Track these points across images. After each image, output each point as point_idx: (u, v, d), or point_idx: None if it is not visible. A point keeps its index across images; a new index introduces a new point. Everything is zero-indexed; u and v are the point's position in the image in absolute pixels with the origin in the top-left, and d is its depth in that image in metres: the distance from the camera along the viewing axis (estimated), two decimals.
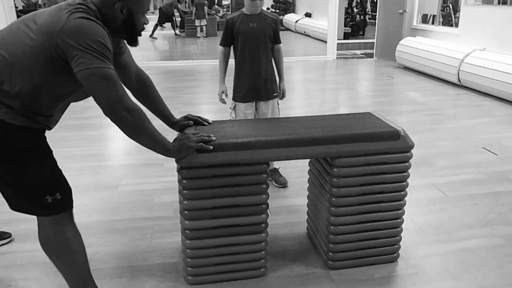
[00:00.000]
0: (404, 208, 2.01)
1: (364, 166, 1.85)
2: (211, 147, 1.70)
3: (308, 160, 2.21)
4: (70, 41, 1.42)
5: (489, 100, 5.36)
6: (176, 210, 2.58)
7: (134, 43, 1.70)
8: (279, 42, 2.83)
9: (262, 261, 1.96)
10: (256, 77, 2.75)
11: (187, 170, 1.72)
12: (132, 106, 1.53)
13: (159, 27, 13.45)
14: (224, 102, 2.92)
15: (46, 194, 1.59)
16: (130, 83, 1.85)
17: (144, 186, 2.98)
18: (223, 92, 2.86)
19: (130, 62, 1.85)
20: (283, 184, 2.88)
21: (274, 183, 2.89)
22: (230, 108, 2.89)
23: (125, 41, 1.73)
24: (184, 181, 1.74)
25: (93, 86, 1.47)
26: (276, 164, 2.97)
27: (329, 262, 2.03)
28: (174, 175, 3.03)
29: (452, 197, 2.80)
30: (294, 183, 2.87)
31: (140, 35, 1.69)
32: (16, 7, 7.93)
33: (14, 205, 1.62)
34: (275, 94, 2.84)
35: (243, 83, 2.77)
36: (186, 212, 1.79)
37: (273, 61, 2.85)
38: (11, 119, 1.49)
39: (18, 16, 7.94)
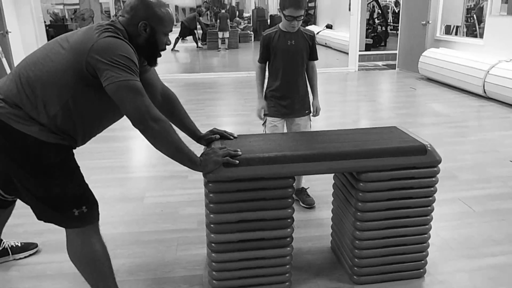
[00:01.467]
0: (431, 223, 1.99)
1: (390, 181, 1.84)
2: (237, 161, 1.72)
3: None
4: (99, 57, 1.50)
5: None
6: (201, 222, 2.61)
7: (153, 63, 1.78)
8: (316, 58, 2.75)
9: (287, 275, 1.96)
10: (291, 96, 2.68)
11: (214, 184, 1.75)
12: (159, 117, 1.59)
13: (181, 40, 13.66)
14: (261, 119, 2.78)
15: (73, 208, 1.65)
16: (156, 100, 1.91)
17: (169, 198, 3.02)
18: (263, 107, 2.74)
19: (155, 79, 1.91)
20: (310, 205, 2.80)
21: (301, 203, 2.82)
22: (262, 124, 2.81)
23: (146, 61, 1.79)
24: (211, 195, 1.77)
25: (121, 97, 1.53)
26: (304, 184, 2.91)
27: (354, 277, 2.01)
28: (198, 187, 3.07)
29: (479, 211, 2.75)
30: (318, 196, 2.87)
31: (160, 55, 1.77)
32: (44, 22, 8.19)
33: (42, 216, 1.68)
34: (307, 112, 2.78)
35: (276, 100, 2.69)
36: (212, 225, 1.82)
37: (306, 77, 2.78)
38: (43, 137, 1.56)
39: (47, 31, 8.21)
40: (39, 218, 1.70)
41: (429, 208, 1.93)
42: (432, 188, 1.90)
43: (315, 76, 2.79)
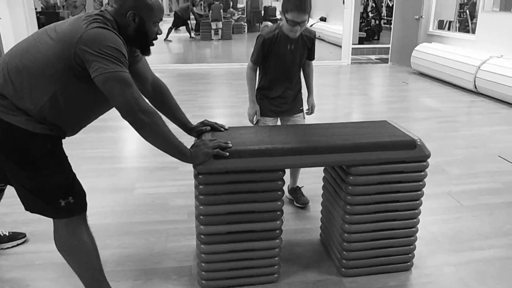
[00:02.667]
0: (419, 217, 2.01)
1: (379, 174, 1.85)
2: (228, 153, 1.72)
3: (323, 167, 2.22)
4: (87, 48, 1.48)
5: (506, 108, 5.30)
6: (191, 213, 2.61)
7: (146, 52, 1.76)
8: (313, 58, 2.64)
9: (276, 267, 1.97)
10: (284, 96, 2.59)
11: (204, 175, 1.75)
12: (148, 109, 1.58)
13: (174, 30, 13.56)
14: (254, 123, 2.63)
15: (59, 198, 1.64)
16: (146, 91, 1.89)
17: (159, 189, 3.01)
18: (256, 112, 2.58)
19: (146, 70, 1.89)
20: (304, 204, 2.73)
21: (295, 202, 2.78)
22: (254, 124, 2.68)
23: (139, 50, 1.77)
24: (200, 187, 1.77)
25: (110, 89, 1.52)
26: (298, 182, 2.86)
27: (343, 269, 2.03)
28: (189, 178, 3.08)
29: (468, 206, 2.78)
30: (308, 189, 2.88)
31: (153, 44, 1.75)
32: (35, 8, 8.08)
33: (30, 207, 1.67)
34: (301, 108, 2.70)
35: (269, 100, 2.59)
36: (201, 217, 1.82)
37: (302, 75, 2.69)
38: (29, 127, 1.54)
39: (38, 18, 8.09)
40: (26, 208, 1.69)
41: (417, 202, 1.95)
42: (420, 183, 1.92)
43: (311, 74, 2.70)
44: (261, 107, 2.62)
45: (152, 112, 1.59)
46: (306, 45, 2.53)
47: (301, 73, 2.69)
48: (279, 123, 2.73)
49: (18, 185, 1.64)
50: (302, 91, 2.73)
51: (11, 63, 1.56)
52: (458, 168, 3.41)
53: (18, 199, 1.67)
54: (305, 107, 2.76)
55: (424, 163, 1.88)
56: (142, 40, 1.70)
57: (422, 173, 1.90)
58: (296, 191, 2.83)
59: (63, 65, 1.52)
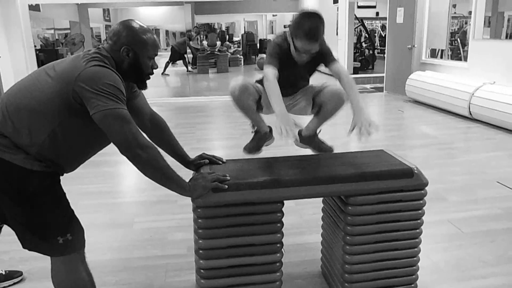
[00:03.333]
0: (420, 245, 1.99)
1: (378, 204, 1.85)
2: (226, 186, 1.72)
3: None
4: (85, 86, 1.51)
5: (502, 133, 5.34)
6: (190, 248, 2.58)
7: (142, 86, 1.80)
8: (334, 60, 2.16)
9: None
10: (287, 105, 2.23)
11: (202, 209, 1.74)
12: (147, 144, 1.60)
13: (171, 64, 13.78)
14: (296, 136, 2.29)
15: (57, 235, 1.63)
16: (144, 126, 1.91)
17: (158, 223, 2.99)
18: (294, 123, 1.99)
19: (143, 105, 1.92)
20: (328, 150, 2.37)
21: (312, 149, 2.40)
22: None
23: (135, 85, 1.81)
24: (199, 220, 1.76)
25: (109, 126, 1.54)
26: (297, 212, 2.64)
27: None
28: (187, 212, 3.05)
29: (469, 233, 2.77)
30: (308, 220, 2.87)
31: (148, 78, 1.78)
32: (35, 46, 8.23)
33: (27, 244, 1.66)
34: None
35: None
36: (201, 251, 1.80)
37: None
38: (27, 165, 1.55)
39: (37, 55, 8.23)
40: (24, 246, 1.67)
41: (417, 231, 1.94)
42: (420, 211, 1.91)
43: (352, 86, 2.20)
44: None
45: (150, 147, 1.60)
46: (314, 57, 2.14)
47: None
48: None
49: (15, 221, 1.63)
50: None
51: (10, 102, 1.59)
52: (457, 195, 3.40)
53: (16, 237, 1.66)
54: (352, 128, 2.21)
55: (422, 191, 1.88)
56: (137, 74, 1.73)
57: (421, 202, 1.90)
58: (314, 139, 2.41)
59: (62, 103, 1.55)
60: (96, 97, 1.51)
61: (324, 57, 2.15)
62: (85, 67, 1.55)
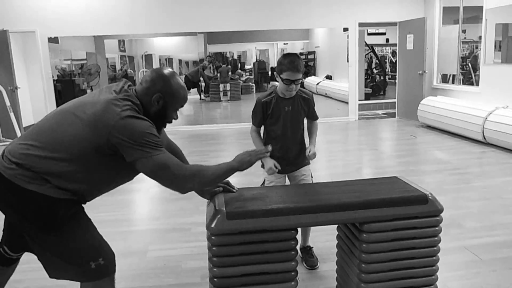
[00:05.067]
0: (437, 273, 1.96)
1: (393, 231, 1.84)
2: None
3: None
4: (124, 137, 1.58)
5: None
6: (204, 276, 2.57)
7: (160, 129, 1.85)
8: (316, 118, 2.70)
9: None
10: (289, 155, 2.61)
11: (216, 237, 1.75)
12: (191, 173, 1.70)
13: None
14: (276, 172, 2.47)
15: (90, 260, 1.65)
16: None
17: (172, 251, 3.00)
18: (274, 165, 2.41)
19: (161, 136, 1.97)
20: (311, 267, 2.65)
21: (304, 263, 2.70)
22: (261, 185, 2.69)
23: None
24: (214, 248, 1.77)
25: (155, 174, 1.64)
26: (311, 239, 2.79)
27: None
28: (201, 240, 3.07)
29: (486, 260, 2.71)
30: (322, 247, 2.84)
31: (166, 126, 1.86)
32: (52, 77, 8.46)
33: (56, 273, 1.67)
34: (306, 161, 2.68)
35: (275, 159, 2.48)
36: (215, 279, 1.80)
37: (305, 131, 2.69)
38: (54, 193, 1.59)
39: (54, 86, 8.44)
40: (51, 276, 1.68)
41: (434, 258, 1.91)
42: (436, 238, 1.90)
43: (314, 131, 2.71)
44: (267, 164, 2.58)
45: (194, 171, 1.71)
46: (303, 106, 2.59)
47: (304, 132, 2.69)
48: (287, 181, 2.72)
49: (44, 252, 1.64)
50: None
51: (34, 142, 1.62)
52: (473, 221, 3.35)
53: (31, 266, 1.68)
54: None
55: (438, 218, 1.87)
56: (159, 121, 1.79)
57: (437, 228, 1.88)
58: (305, 251, 2.76)
59: (93, 148, 1.60)
60: (137, 147, 1.58)
61: (312, 114, 2.68)
62: (120, 117, 1.59)
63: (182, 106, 1.83)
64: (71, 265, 1.64)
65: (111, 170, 1.69)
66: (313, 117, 2.70)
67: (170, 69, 1.80)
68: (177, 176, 1.65)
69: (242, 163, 1.83)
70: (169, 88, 1.74)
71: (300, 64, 2.39)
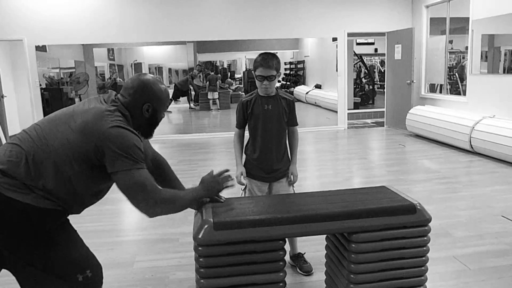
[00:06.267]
0: (426, 283, 1.95)
1: (381, 241, 1.83)
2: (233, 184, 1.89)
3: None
4: (112, 145, 1.57)
5: (504, 167, 5.33)
6: (191, 287, 2.54)
7: (149, 136, 1.85)
8: (295, 124, 2.68)
9: None
10: (270, 160, 2.61)
11: (204, 247, 1.73)
12: (163, 198, 1.68)
13: (173, 102, 13.95)
14: (243, 184, 2.66)
15: (77, 273, 1.62)
16: (147, 166, 1.93)
17: (159, 262, 2.95)
18: (241, 174, 2.61)
19: (147, 148, 1.98)
20: (307, 272, 2.67)
21: (298, 269, 2.71)
22: (241, 189, 2.72)
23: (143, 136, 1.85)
24: (201, 259, 1.74)
25: (128, 189, 1.62)
26: (300, 249, 2.81)
27: None
28: (189, 250, 3.02)
29: (475, 270, 2.71)
30: (311, 257, 2.82)
31: (155, 128, 1.85)
32: (40, 85, 8.38)
33: None
34: (286, 172, 2.69)
35: (256, 164, 2.64)
36: None
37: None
38: (39, 203, 1.55)
39: (42, 94, 8.36)
40: None
41: (423, 268, 1.91)
42: (424, 248, 1.89)
43: (295, 142, 2.71)
44: (251, 171, 2.66)
45: (166, 198, 1.70)
46: (284, 107, 2.60)
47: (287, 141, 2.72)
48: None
49: (25, 267, 1.58)
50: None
51: (24, 149, 1.59)
52: (461, 230, 3.36)
53: (12, 278, 1.62)
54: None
55: (426, 228, 1.87)
56: (152, 126, 1.81)
57: (425, 238, 1.88)
58: (298, 258, 2.77)
59: (80, 157, 1.58)
60: (120, 158, 1.57)
61: (292, 118, 2.67)
62: (110, 126, 1.59)
63: (168, 105, 1.85)
64: (57, 279, 1.60)
65: (97, 183, 1.67)
66: (292, 121, 2.68)
67: (146, 74, 1.79)
68: (149, 198, 1.64)
69: (210, 192, 1.89)
70: (154, 94, 1.74)
71: (272, 61, 2.44)
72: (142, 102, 1.72)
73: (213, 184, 1.89)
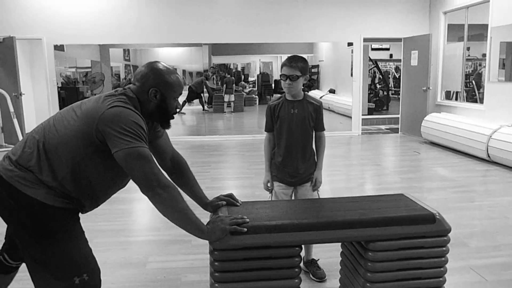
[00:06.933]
0: None
1: (399, 250, 1.80)
2: (245, 229, 1.70)
3: None
4: (108, 125, 1.55)
5: None
6: None
7: (166, 126, 1.83)
8: (322, 129, 2.69)
9: None
10: (295, 164, 2.62)
11: (219, 252, 1.72)
12: (167, 184, 1.60)
13: (187, 103, 14.00)
14: (270, 191, 2.70)
15: (74, 276, 1.62)
16: (166, 165, 1.93)
17: (172, 263, 2.95)
18: (268, 181, 2.67)
19: (166, 145, 1.94)
20: (320, 279, 2.65)
21: (311, 276, 2.70)
22: (269, 192, 2.73)
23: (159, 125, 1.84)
24: (216, 263, 1.73)
25: (130, 165, 1.55)
26: (314, 255, 2.80)
27: None
28: (201, 253, 3.02)
29: (492, 281, 2.66)
30: (325, 264, 2.79)
31: (173, 118, 1.81)
32: (57, 84, 8.48)
33: (40, 284, 1.64)
34: (312, 176, 2.69)
35: (282, 168, 2.64)
36: None
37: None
38: (48, 200, 1.57)
39: (58, 93, 8.47)
40: (36, 286, 1.65)
41: (441, 279, 1.87)
42: (443, 258, 1.85)
43: (321, 147, 2.71)
44: (277, 174, 2.68)
45: (171, 187, 1.61)
46: (311, 112, 2.62)
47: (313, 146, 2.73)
48: (293, 197, 2.72)
49: (30, 260, 1.62)
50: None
51: (35, 138, 1.62)
52: (478, 240, 3.30)
53: (28, 274, 1.65)
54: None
55: (445, 238, 1.83)
56: (163, 115, 1.77)
57: (444, 249, 1.84)
58: (312, 264, 2.75)
59: (84, 141, 1.58)
60: (118, 135, 1.54)
61: (319, 123, 2.68)
62: (107, 107, 1.59)
63: (181, 93, 1.78)
64: (56, 279, 1.61)
65: (107, 171, 1.65)
66: (319, 127, 2.69)
67: (159, 61, 1.76)
68: (153, 173, 1.56)
69: (213, 231, 1.67)
70: (162, 78, 1.71)
71: (297, 62, 2.48)
72: (149, 87, 1.70)
73: (218, 223, 1.70)
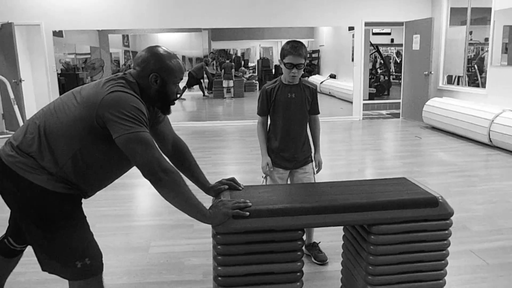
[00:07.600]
0: (445, 277, 1.93)
1: (402, 233, 1.80)
2: (248, 213, 1.70)
3: None
4: (108, 110, 1.54)
5: None
6: (206, 273, 2.55)
7: (167, 111, 1.81)
8: (317, 112, 2.71)
9: None
10: (292, 148, 2.63)
11: (222, 235, 1.72)
12: (169, 168, 1.59)
13: (187, 89, 13.95)
14: (268, 175, 2.67)
15: (75, 260, 1.63)
16: (167, 150, 1.92)
17: (174, 248, 2.97)
18: (267, 164, 2.63)
19: (167, 131, 1.94)
20: (322, 261, 2.68)
21: (313, 259, 2.72)
22: (262, 176, 2.73)
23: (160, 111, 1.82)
24: (219, 247, 1.73)
25: (132, 149, 1.55)
26: (315, 238, 2.82)
27: None
28: (204, 237, 3.04)
29: (494, 265, 2.67)
30: (327, 247, 2.81)
31: (173, 103, 1.79)
32: (56, 70, 8.44)
33: (46, 267, 1.66)
34: (309, 159, 2.71)
35: (278, 152, 2.64)
36: (219, 278, 1.77)
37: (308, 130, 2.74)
38: (49, 186, 1.57)
39: (58, 79, 8.43)
40: (43, 269, 1.67)
41: (443, 262, 1.88)
42: (445, 241, 1.86)
43: (317, 130, 2.74)
44: (275, 159, 2.67)
45: (173, 171, 1.60)
46: (307, 95, 2.62)
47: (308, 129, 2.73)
48: (288, 181, 2.72)
49: (35, 244, 1.64)
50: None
51: (41, 124, 1.62)
52: (479, 224, 3.31)
53: (34, 258, 1.66)
54: (313, 164, 2.76)
55: (448, 221, 1.83)
56: (163, 100, 1.75)
57: (446, 232, 1.84)
58: (313, 247, 2.77)
59: (85, 127, 1.57)
60: (119, 121, 1.53)
61: (314, 106, 2.69)
62: (107, 92, 1.57)
63: (181, 78, 1.76)
64: (58, 263, 1.62)
65: (108, 157, 1.65)
66: (315, 110, 2.70)
67: (160, 46, 1.73)
68: (155, 158, 1.55)
69: (216, 215, 1.67)
70: (162, 63, 1.68)
71: (302, 49, 2.44)
72: (149, 72, 1.67)
73: (221, 208, 1.70)
